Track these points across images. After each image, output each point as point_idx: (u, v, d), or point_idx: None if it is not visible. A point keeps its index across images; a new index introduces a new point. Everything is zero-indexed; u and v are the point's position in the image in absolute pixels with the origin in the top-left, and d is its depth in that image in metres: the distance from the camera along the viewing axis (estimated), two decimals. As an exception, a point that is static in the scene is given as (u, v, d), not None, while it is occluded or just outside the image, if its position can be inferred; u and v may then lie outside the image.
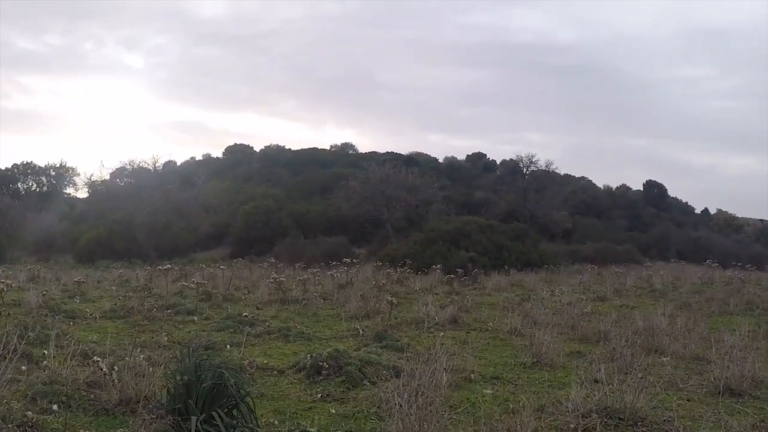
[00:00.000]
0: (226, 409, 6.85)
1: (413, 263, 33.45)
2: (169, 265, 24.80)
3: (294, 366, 10.38)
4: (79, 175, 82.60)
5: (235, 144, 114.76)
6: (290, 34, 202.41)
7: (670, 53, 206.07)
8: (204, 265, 33.53)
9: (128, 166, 65.62)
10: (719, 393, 9.35)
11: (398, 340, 12.73)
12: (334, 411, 8.27)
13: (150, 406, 7.25)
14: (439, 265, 30.83)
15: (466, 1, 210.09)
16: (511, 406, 8.34)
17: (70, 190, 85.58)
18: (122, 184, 67.53)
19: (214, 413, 6.61)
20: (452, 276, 25.95)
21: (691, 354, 12.30)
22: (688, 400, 9.20)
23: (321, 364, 9.80)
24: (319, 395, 8.97)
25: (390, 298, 15.51)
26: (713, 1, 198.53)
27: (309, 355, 10.33)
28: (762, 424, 7.86)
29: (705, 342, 13.23)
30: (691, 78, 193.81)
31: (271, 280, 21.24)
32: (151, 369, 8.59)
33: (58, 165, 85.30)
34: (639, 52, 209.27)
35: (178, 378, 7.01)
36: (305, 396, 9.02)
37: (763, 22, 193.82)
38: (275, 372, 10.38)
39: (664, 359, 12.02)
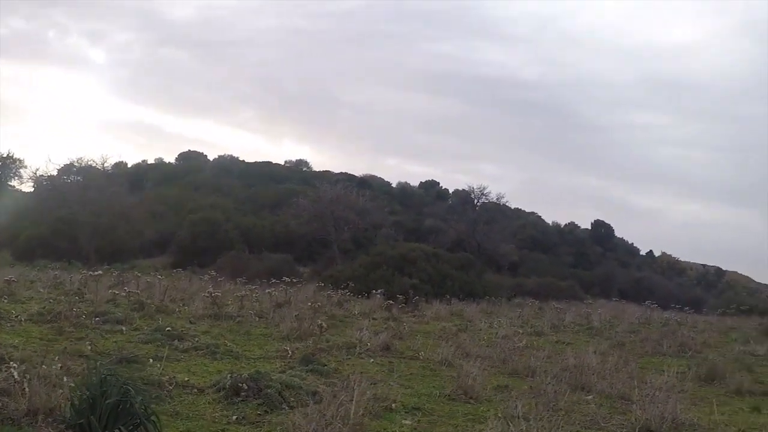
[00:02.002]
0: (131, 427, 6.69)
1: (356, 286, 33.28)
2: (101, 272, 24.44)
3: (214, 385, 10.13)
4: (26, 167, 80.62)
5: (189, 150, 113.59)
6: (258, 45, 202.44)
7: (628, 99, 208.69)
8: (139, 273, 32.87)
9: (77, 164, 64.69)
10: (638, 433, 9.34)
11: (325, 365, 12.57)
12: (246, 435, 8.13)
13: (52, 419, 7.07)
14: (381, 290, 30.69)
15: (435, 30, 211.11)
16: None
17: (14, 183, 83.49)
18: (69, 181, 66.33)
19: (117, 431, 6.45)
20: (392, 302, 25.81)
21: (617, 393, 12.30)
22: (608, 440, 9.18)
23: (240, 385, 9.59)
24: (235, 417, 8.79)
25: (320, 322, 15.31)
26: (674, 53, 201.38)
27: (229, 375, 10.12)
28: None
29: (633, 382, 13.23)
30: (647, 124, 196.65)
31: (206, 294, 21.00)
32: (66, 379, 8.40)
33: (4, 155, 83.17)
34: (599, 95, 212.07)
35: (83, 392, 6.83)
36: (221, 417, 8.82)
37: (720, 77, 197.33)
38: (195, 390, 10.11)
39: (589, 397, 12.00)
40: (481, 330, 22.23)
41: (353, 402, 8.47)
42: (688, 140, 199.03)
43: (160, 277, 27.91)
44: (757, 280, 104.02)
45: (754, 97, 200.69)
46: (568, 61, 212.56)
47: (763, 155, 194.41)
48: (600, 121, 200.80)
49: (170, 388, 9.84)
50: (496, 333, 20.97)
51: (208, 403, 9.45)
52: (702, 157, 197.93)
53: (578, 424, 9.80)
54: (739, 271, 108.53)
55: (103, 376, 6.85)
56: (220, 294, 21.40)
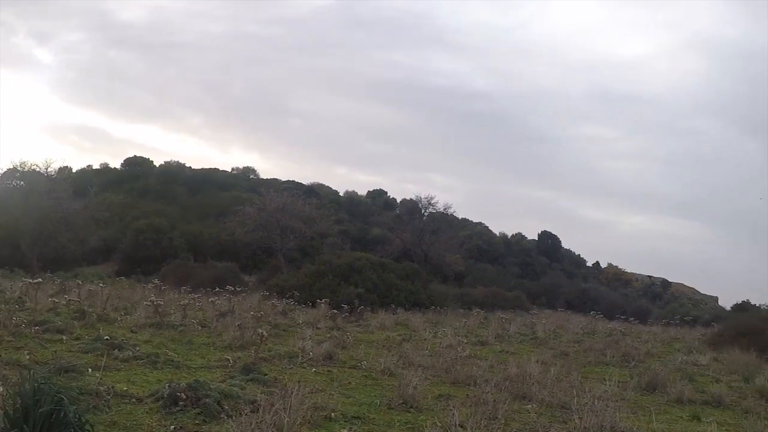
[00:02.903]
0: (64, 436, 6.62)
1: (301, 295, 33.23)
2: (42, 280, 24.11)
3: (153, 395, 10.02)
4: (-35, 171, 78.93)
5: (135, 156, 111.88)
6: (207, 50, 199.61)
7: (579, 111, 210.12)
8: (82, 281, 32.37)
9: (19, 168, 63.71)
10: (578, 442, 9.39)
11: (266, 374, 12.54)
12: (184, 445, 8.07)
13: (-15, 428, 6.98)
14: (326, 299, 30.61)
15: (388, 39, 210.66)
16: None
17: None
18: (11, 186, 65.25)
19: (50, 440, 6.39)
20: (336, 312, 25.77)
21: (558, 402, 12.37)
22: (546, 449, 9.21)
23: (179, 394, 9.51)
24: (173, 427, 8.72)
25: (261, 331, 15.21)
26: (625, 67, 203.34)
27: (168, 385, 10.02)
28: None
29: (574, 391, 13.30)
30: (596, 137, 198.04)
31: (149, 303, 20.83)
32: (1, 389, 8.29)
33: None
34: (550, 107, 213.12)
35: (16, 401, 6.75)
36: (159, 427, 8.74)
37: (669, 92, 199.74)
38: (134, 400, 10.01)
39: (530, 406, 12.05)
40: (425, 340, 22.26)
41: (289, 411, 8.42)
42: (636, 153, 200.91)
43: (102, 285, 27.67)
44: (702, 291, 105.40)
45: (701, 112, 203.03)
46: (520, 73, 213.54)
47: (709, 169, 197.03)
48: (550, 132, 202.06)
49: (108, 397, 9.72)
50: (440, 343, 21.03)
51: (147, 412, 9.35)
52: (649, 170, 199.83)
53: (516, 432, 9.82)
54: (685, 283, 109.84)
55: (36, 384, 6.77)
56: (162, 303, 21.18)
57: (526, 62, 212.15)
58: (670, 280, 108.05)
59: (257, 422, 7.89)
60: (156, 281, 34.61)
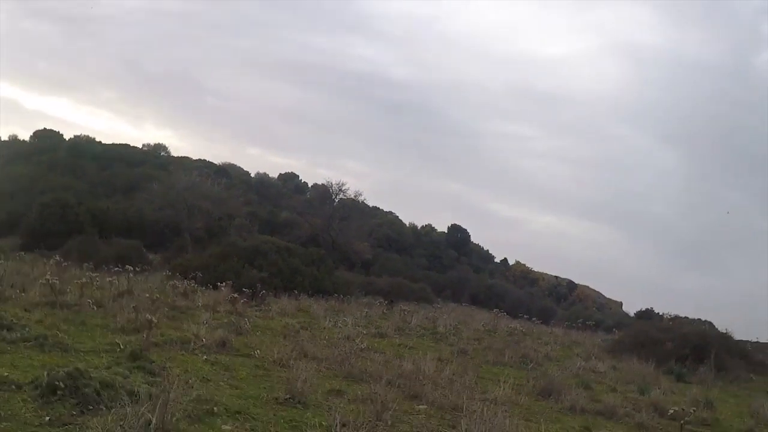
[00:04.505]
0: None
1: (204, 277, 32.77)
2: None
3: (33, 382, 9.53)
4: None
5: (45, 129, 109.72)
6: (124, 24, 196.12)
7: (498, 107, 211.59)
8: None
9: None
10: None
11: (153, 361, 12.16)
12: (56, 438, 7.72)
13: None
14: (229, 282, 30.20)
15: (308, 22, 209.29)
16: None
17: None
18: None
19: None
20: (236, 296, 25.38)
21: (450, 404, 12.25)
22: (431, 455, 9.06)
23: (57, 383, 9.11)
24: (48, 418, 8.31)
25: (149, 316, 14.79)
26: (547, 66, 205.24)
27: (46, 373, 9.60)
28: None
29: (469, 392, 13.20)
30: (513, 134, 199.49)
31: (43, 281, 20.22)
32: None
33: None
34: (469, 100, 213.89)
35: None
36: (34, 418, 8.32)
37: (587, 94, 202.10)
38: (13, 387, 9.47)
39: (421, 407, 11.92)
40: (324, 329, 22.12)
41: (168, 403, 8.14)
42: (551, 153, 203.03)
43: (1, 261, 26.97)
44: (607, 295, 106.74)
45: (618, 117, 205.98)
46: (441, 64, 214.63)
47: (622, 174, 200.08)
48: (468, 126, 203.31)
49: (-15, 383, 9.33)
50: (339, 333, 20.88)
51: (24, 401, 8.89)
52: (563, 171, 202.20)
53: (404, 436, 9.65)
54: (591, 286, 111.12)
55: None
56: (58, 281, 20.57)
57: (447, 54, 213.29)
58: (576, 282, 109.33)
59: (134, 414, 7.60)
60: (58, 257, 33.84)
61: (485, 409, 10.34)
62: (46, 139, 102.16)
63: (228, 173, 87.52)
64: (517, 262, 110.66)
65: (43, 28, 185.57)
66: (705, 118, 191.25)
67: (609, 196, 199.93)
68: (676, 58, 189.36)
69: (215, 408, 9.61)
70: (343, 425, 8.69)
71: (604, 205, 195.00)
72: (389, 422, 10.20)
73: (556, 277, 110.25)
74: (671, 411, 12.09)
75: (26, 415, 8.38)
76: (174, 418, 8.17)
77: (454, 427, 10.52)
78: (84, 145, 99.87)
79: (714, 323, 41.21)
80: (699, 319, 47.66)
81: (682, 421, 10.92)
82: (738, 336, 31.48)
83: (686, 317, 48.47)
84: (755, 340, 34.09)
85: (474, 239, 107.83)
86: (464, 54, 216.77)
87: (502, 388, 13.98)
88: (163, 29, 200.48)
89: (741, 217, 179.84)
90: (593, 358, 24.32)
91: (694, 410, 12.25)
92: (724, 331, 31.55)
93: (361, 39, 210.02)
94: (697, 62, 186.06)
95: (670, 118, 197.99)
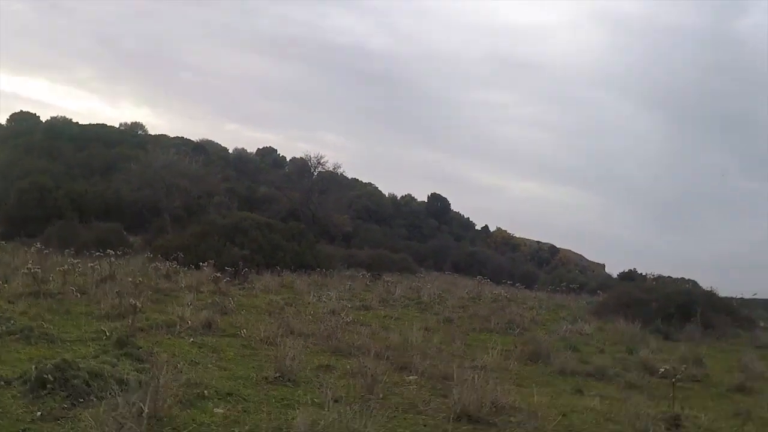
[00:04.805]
0: None
1: (186, 257, 32.62)
2: None
3: (22, 377, 9.39)
4: None
5: (21, 111, 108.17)
6: (100, 1, 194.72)
7: (476, 75, 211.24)
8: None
9: None
10: (457, 419, 9.23)
11: (140, 347, 12.06)
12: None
13: None
14: (210, 261, 30.09)
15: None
16: (236, 430, 7.91)
17: None
18: None
19: None
20: (219, 275, 25.27)
21: (440, 373, 12.22)
22: (425, 425, 9.04)
23: (46, 376, 8.94)
24: (39, 413, 8.17)
25: (133, 301, 14.68)
26: (524, 34, 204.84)
27: (34, 366, 9.47)
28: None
29: (458, 360, 13.21)
30: (491, 102, 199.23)
31: (26, 271, 20.00)
32: None
33: None
34: (446, 70, 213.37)
35: None
36: (25, 414, 8.17)
37: (565, 61, 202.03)
38: (2, 383, 9.33)
39: (411, 378, 11.91)
40: (309, 304, 22.09)
41: (158, 390, 8.07)
42: (530, 120, 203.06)
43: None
44: (589, 258, 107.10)
45: (599, 84, 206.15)
46: (418, 34, 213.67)
47: (602, 140, 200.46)
48: (445, 95, 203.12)
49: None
50: (324, 307, 20.86)
51: (13, 397, 8.76)
52: (543, 137, 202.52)
53: (395, 408, 9.62)
54: (573, 249, 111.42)
55: None
56: (40, 269, 20.35)
57: (425, 23, 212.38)
58: (558, 246, 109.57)
59: (125, 404, 7.53)
60: (39, 245, 33.60)
61: (476, 376, 10.32)
62: (23, 121, 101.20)
63: (206, 150, 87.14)
64: (498, 229, 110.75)
65: (16, 6, 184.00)
66: (683, 83, 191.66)
67: (588, 160, 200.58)
68: (653, 24, 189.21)
69: (206, 391, 9.54)
70: (335, 401, 8.65)
71: (584, 170, 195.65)
72: (380, 395, 10.18)
73: (538, 242, 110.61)
74: (662, 369, 12.12)
75: (17, 411, 8.25)
76: (165, 405, 8.12)
77: (445, 396, 10.47)
78: (61, 127, 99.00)
79: (698, 282, 41.34)
80: (682, 278, 47.82)
81: (673, 379, 10.92)
82: (722, 293, 31.59)
83: (669, 277, 48.69)
84: (740, 296, 34.14)
85: (454, 207, 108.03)
86: (440, 24, 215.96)
87: (490, 355, 13.98)
88: (139, 5, 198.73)
89: (718, 176, 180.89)
90: (579, 320, 24.38)
91: (684, 368, 12.26)
92: (709, 289, 31.67)
93: (338, 10, 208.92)
94: (675, 27, 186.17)
95: (648, 83, 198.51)
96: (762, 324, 29.28)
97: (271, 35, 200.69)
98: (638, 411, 9.36)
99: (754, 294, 35.79)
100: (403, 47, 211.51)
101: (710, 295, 29.70)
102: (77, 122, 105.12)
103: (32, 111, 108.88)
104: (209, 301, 19.82)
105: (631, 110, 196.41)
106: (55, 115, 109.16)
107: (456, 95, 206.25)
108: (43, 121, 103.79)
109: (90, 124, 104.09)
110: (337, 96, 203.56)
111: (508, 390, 10.78)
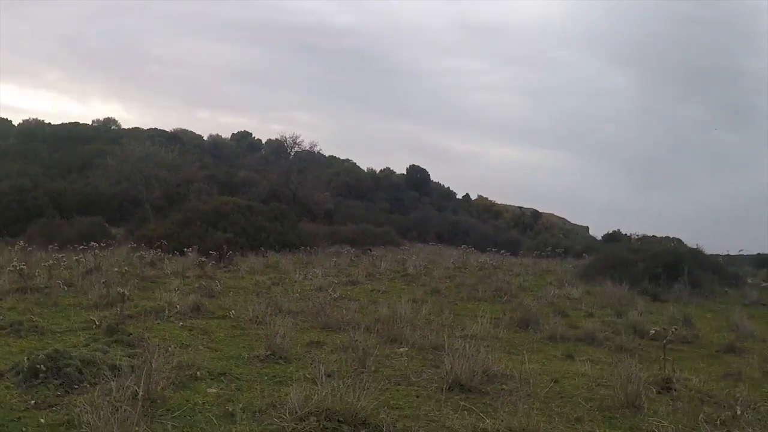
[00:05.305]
0: None
1: (169, 244, 32.59)
2: None
3: (14, 368, 9.42)
4: None
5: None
6: (59, 3, 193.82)
7: (444, 45, 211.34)
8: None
9: None
10: (449, 389, 9.27)
11: (130, 334, 12.08)
12: (44, 420, 7.57)
13: None
14: (195, 247, 30.09)
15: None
16: (230, 408, 7.93)
17: None
18: None
19: None
20: (205, 259, 25.26)
21: (430, 344, 12.24)
22: (417, 396, 9.05)
23: (38, 366, 8.99)
24: (33, 402, 8.19)
25: (120, 290, 14.68)
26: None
27: (26, 357, 9.49)
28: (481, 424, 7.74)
29: (447, 330, 13.24)
30: (461, 70, 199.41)
31: (11, 268, 19.95)
32: None
33: None
34: (414, 41, 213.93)
35: None
36: (19, 403, 8.18)
37: (532, 23, 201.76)
38: None
39: (402, 350, 11.94)
40: (295, 282, 22.14)
41: (151, 373, 8.09)
42: (500, 84, 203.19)
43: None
44: (572, 221, 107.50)
45: (569, 44, 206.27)
46: (382, 8, 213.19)
47: (571, 99, 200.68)
48: (415, 67, 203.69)
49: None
50: (311, 285, 20.89)
51: (7, 388, 8.76)
52: (517, 101, 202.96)
53: (387, 380, 9.64)
54: (556, 213, 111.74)
55: None
56: (25, 266, 20.31)
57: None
58: (540, 211, 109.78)
59: (119, 388, 7.55)
60: (22, 243, 33.53)
61: (466, 345, 10.35)
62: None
63: (180, 139, 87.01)
64: (480, 197, 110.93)
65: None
66: (653, 37, 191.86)
67: (563, 122, 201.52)
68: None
69: (198, 372, 9.55)
70: (328, 375, 8.68)
71: (560, 132, 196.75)
72: (372, 368, 10.21)
73: (520, 207, 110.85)
74: (652, 332, 12.16)
75: (11, 401, 8.25)
76: (159, 387, 8.14)
77: (437, 367, 10.49)
78: (34, 129, 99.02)
79: (682, 240, 41.41)
80: (667, 237, 47.90)
81: (664, 341, 10.96)
82: (708, 251, 31.67)
83: (654, 236, 48.86)
84: (726, 253, 34.22)
85: (434, 178, 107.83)
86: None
87: (479, 324, 14.00)
88: (99, 3, 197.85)
89: (696, 130, 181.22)
90: (566, 285, 24.35)
91: (674, 329, 12.29)
92: (694, 247, 31.74)
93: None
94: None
95: (617, 39, 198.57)
96: (750, 281, 29.37)
97: (235, 20, 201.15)
98: (629, 374, 9.37)
99: (741, 250, 35.99)
100: (368, 22, 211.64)
101: (696, 253, 29.73)
102: (50, 123, 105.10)
103: (4, 116, 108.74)
104: (196, 285, 19.91)
105: (602, 68, 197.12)
106: (27, 118, 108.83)
107: (426, 66, 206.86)
108: (16, 125, 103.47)
109: (63, 124, 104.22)
110: (307, 75, 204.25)
111: (498, 358, 10.80)
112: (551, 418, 8.08)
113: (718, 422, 8.36)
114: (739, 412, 8.50)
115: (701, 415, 8.14)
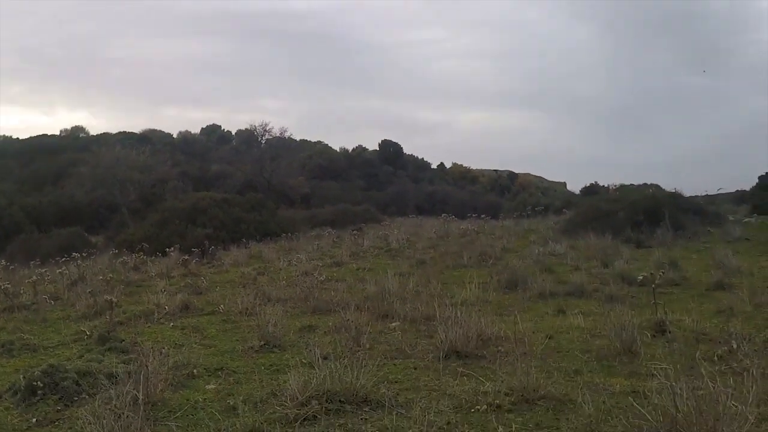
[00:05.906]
0: None
1: (150, 246, 32.50)
2: None
3: (11, 388, 9.30)
4: None
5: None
6: (12, 15, 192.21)
7: (403, 17, 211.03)
8: None
9: None
10: (446, 357, 9.29)
11: (122, 340, 12.03)
12: (46, 436, 7.62)
13: None
14: (176, 246, 30.00)
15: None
16: (231, 402, 7.93)
17: None
18: None
19: None
20: (187, 257, 25.20)
21: (422, 316, 12.28)
22: (415, 368, 9.07)
23: (35, 383, 8.94)
24: (35, 419, 8.12)
25: (108, 297, 14.63)
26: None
27: (22, 376, 9.43)
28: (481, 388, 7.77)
29: (437, 299, 13.24)
30: (423, 40, 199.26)
31: (-4, 288, 19.83)
32: None
33: None
34: (372, 17, 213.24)
35: None
36: (21, 423, 8.11)
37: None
38: None
39: (394, 324, 11.97)
40: (280, 270, 22.10)
41: (148, 377, 8.08)
42: (465, 51, 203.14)
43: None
44: (549, 179, 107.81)
45: (522, 3, 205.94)
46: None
47: (536, 58, 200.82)
48: (378, 41, 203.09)
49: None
50: (296, 270, 20.89)
51: (6, 409, 8.67)
52: (480, 65, 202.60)
53: (384, 356, 9.66)
54: (532, 173, 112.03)
55: None
56: (9, 285, 20.18)
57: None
58: (516, 172, 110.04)
59: (118, 396, 7.54)
60: (3, 261, 33.36)
61: (457, 312, 10.38)
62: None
63: (150, 139, 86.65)
64: (455, 164, 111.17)
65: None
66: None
67: (530, 81, 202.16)
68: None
69: (195, 370, 9.54)
70: (324, 358, 8.68)
71: (527, 91, 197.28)
72: (367, 346, 10.24)
73: (496, 170, 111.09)
74: (640, 278, 12.23)
75: (13, 422, 8.18)
76: (158, 390, 8.14)
77: (431, 337, 10.53)
78: (2, 145, 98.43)
79: (661, 185, 41.59)
80: (645, 184, 48.15)
81: (653, 285, 11.03)
82: (687, 193, 31.85)
83: (632, 184, 49.13)
84: (705, 193, 34.43)
85: (407, 150, 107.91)
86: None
87: (468, 290, 14.09)
88: (55, 12, 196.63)
89: (664, 76, 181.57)
90: (550, 242, 24.50)
91: (662, 273, 12.36)
92: (673, 191, 31.90)
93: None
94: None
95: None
96: (731, 218, 29.59)
97: (193, 14, 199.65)
98: (622, 322, 9.44)
99: (719, 189, 36.25)
100: (325, 2, 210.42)
101: (676, 197, 29.96)
102: (18, 138, 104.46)
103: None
104: (182, 284, 19.87)
105: (564, 24, 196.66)
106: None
107: (388, 40, 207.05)
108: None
109: (31, 137, 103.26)
110: (270, 62, 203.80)
111: (491, 321, 10.82)
112: (550, 374, 8.12)
113: (716, 358, 8.44)
114: (735, 346, 8.60)
115: (698, 353, 8.19)
